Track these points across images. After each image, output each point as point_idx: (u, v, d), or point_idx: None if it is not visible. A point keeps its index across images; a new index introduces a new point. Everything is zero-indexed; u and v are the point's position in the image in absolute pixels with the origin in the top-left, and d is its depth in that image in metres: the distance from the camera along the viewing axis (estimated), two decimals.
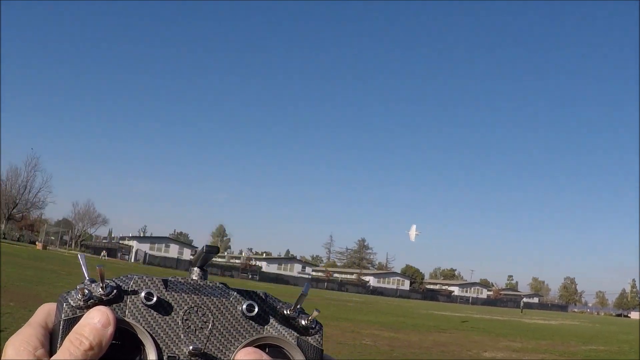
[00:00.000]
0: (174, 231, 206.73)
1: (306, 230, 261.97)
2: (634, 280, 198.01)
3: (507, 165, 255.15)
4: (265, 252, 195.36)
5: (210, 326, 0.72)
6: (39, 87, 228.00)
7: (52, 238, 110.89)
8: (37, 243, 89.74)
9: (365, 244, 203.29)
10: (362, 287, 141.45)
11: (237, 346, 0.72)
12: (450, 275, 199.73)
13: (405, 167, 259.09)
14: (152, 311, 0.72)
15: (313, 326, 0.60)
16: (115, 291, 0.74)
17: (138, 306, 0.72)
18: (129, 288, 0.76)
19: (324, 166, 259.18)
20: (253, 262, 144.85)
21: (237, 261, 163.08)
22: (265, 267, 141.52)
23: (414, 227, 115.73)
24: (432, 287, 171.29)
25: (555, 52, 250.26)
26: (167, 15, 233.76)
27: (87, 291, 0.72)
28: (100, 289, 0.73)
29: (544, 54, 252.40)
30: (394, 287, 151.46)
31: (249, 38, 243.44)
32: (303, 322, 0.86)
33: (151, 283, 0.78)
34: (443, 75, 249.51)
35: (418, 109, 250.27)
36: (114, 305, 0.72)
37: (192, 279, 0.84)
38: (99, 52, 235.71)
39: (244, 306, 0.77)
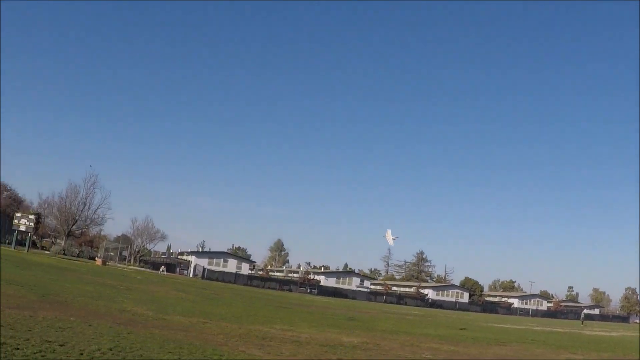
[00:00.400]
0: (232, 246, 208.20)
1: (364, 243, 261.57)
2: None
3: (569, 174, 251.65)
4: (323, 265, 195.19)
5: None
6: (99, 109, 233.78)
7: (112, 254, 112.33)
8: (96, 259, 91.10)
9: (423, 256, 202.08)
10: (420, 300, 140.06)
11: None
12: (509, 287, 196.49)
13: (464, 178, 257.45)
14: None
15: None
16: None
17: None
18: None
19: (382, 180, 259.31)
20: (311, 276, 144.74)
21: (295, 275, 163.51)
22: (323, 280, 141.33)
23: (389, 231, 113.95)
24: (491, 299, 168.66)
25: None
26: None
27: None
28: None
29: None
30: (453, 299, 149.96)
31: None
32: None
33: None
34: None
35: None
36: None
37: None
38: (156, 74, 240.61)
39: None
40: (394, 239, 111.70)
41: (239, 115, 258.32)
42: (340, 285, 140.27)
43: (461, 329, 39.15)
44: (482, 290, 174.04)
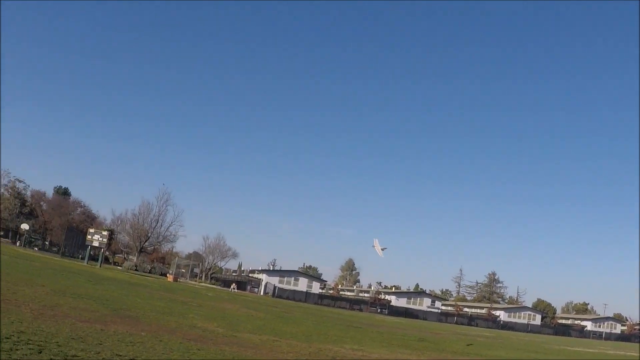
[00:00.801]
0: (303, 265, 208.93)
1: (436, 263, 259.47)
2: None
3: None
4: (394, 285, 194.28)
5: None
6: (172, 131, 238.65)
7: (183, 271, 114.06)
8: (168, 275, 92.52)
9: (495, 277, 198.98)
10: (492, 321, 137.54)
11: None
12: (582, 309, 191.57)
13: (537, 198, 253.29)
14: None
15: None
16: None
17: None
18: None
19: (454, 201, 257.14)
20: (382, 296, 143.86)
21: (366, 295, 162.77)
22: (394, 301, 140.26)
23: (376, 241, 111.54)
24: (563, 321, 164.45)
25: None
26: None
27: None
28: None
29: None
30: (525, 321, 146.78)
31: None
32: None
33: None
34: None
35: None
36: None
37: None
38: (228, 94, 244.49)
39: None
40: (382, 250, 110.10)
41: (314, 137, 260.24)
42: (411, 306, 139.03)
43: (534, 351, 38.24)
44: (554, 313, 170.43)
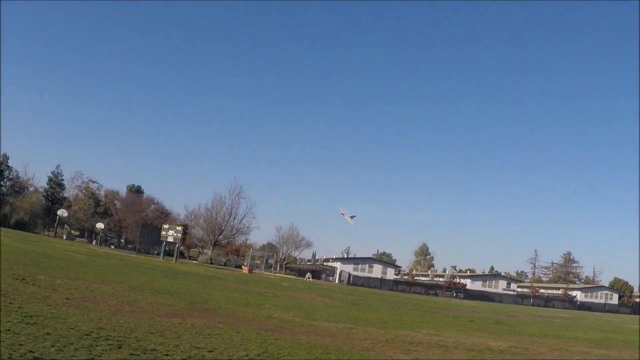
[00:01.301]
0: (377, 251, 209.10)
1: (510, 245, 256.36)
2: None
3: None
4: (469, 269, 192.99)
5: None
6: (244, 123, 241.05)
7: (258, 262, 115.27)
8: (243, 267, 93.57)
9: (571, 257, 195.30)
10: (568, 302, 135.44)
11: None
12: None
13: (612, 178, 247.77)
14: None
15: None
16: None
17: None
18: None
19: (527, 181, 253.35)
20: (457, 280, 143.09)
21: (441, 279, 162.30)
22: (469, 284, 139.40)
23: (343, 209, 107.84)
24: None
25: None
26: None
27: None
28: None
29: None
30: (602, 301, 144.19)
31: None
32: None
33: None
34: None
35: None
36: None
37: None
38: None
39: None
40: (352, 217, 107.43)
41: (385, 123, 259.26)
42: (486, 289, 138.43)
43: (611, 332, 37.43)
44: (632, 291, 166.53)
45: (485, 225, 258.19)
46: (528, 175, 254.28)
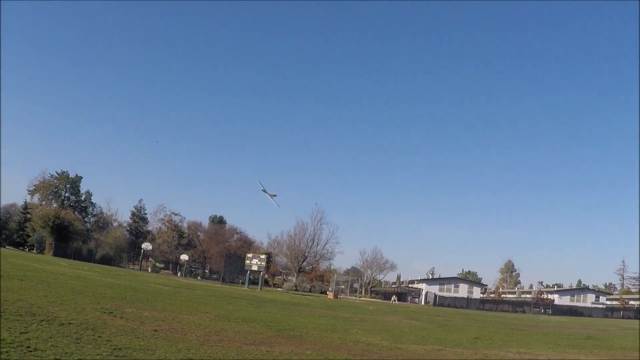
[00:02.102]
0: (462, 270, 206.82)
1: (597, 257, 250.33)
2: None
3: None
4: (556, 284, 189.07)
5: None
6: (316, 150, 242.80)
7: (342, 287, 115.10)
8: (327, 293, 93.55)
9: None
10: None
11: None
12: None
13: None
14: None
15: None
16: None
17: None
18: None
19: (610, 193, 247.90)
20: (544, 296, 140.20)
21: (528, 296, 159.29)
22: (557, 299, 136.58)
23: (260, 184, 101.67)
24: None
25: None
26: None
27: None
28: None
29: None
30: None
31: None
32: None
33: None
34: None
35: None
36: None
37: None
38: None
39: None
40: (272, 197, 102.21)
41: (463, 144, 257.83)
42: (574, 303, 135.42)
43: None
44: None
45: (570, 237, 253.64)
46: (613, 184, 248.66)
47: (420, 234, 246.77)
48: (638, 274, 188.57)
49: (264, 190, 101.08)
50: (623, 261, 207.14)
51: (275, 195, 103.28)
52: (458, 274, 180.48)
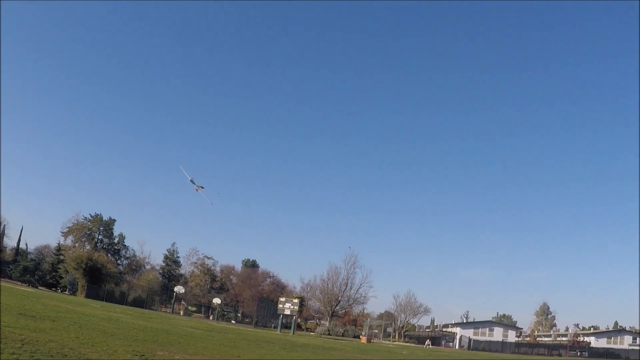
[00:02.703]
0: (497, 314, 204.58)
1: (633, 296, 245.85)
2: None
3: None
4: (592, 326, 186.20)
5: None
6: (349, 192, 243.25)
7: (376, 331, 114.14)
8: (361, 337, 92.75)
9: None
10: None
11: None
12: None
13: None
14: None
15: None
16: None
17: None
18: None
19: None
20: (581, 338, 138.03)
21: (564, 339, 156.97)
22: (593, 342, 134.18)
23: (189, 179, 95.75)
24: None
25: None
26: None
27: None
28: None
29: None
30: None
31: None
32: None
33: None
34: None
35: None
36: None
37: None
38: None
39: None
40: (198, 188, 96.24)
41: (492, 185, 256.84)
42: (611, 345, 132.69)
43: None
44: None
45: (607, 277, 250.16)
46: None
47: (454, 276, 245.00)
48: None
49: (192, 181, 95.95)
50: None
51: (203, 188, 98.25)
52: (493, 318, 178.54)
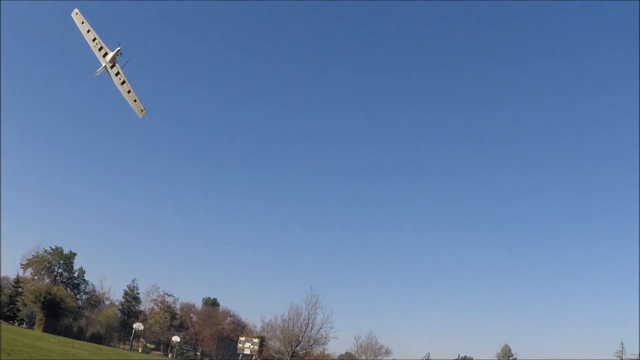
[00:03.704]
0: (458, 355, 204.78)
1: (594, 339, 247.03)
2: None
3: None
4: None
5: None
6: (314, 232, 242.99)
7: None
8: None
9: None
10: None
11: None
12: None
13: None
14: None
15: None
16: None
17: None
18: None
19: (613, 270, 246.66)
20: None
21: None
22: None
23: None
24: None
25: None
26: None
27: None
28: None
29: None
30: None
31: None
32: None
33: None
34: None
35: None
36: None
37: None
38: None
39: None
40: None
41: (457, 224, 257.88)
42: None
43: None
44: None
45: (568, 319, 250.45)
46: (611, 267, 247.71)
47: (416, 317, 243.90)
48: (638, 356, 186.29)
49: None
50: (622, 343, 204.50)
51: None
52: None
